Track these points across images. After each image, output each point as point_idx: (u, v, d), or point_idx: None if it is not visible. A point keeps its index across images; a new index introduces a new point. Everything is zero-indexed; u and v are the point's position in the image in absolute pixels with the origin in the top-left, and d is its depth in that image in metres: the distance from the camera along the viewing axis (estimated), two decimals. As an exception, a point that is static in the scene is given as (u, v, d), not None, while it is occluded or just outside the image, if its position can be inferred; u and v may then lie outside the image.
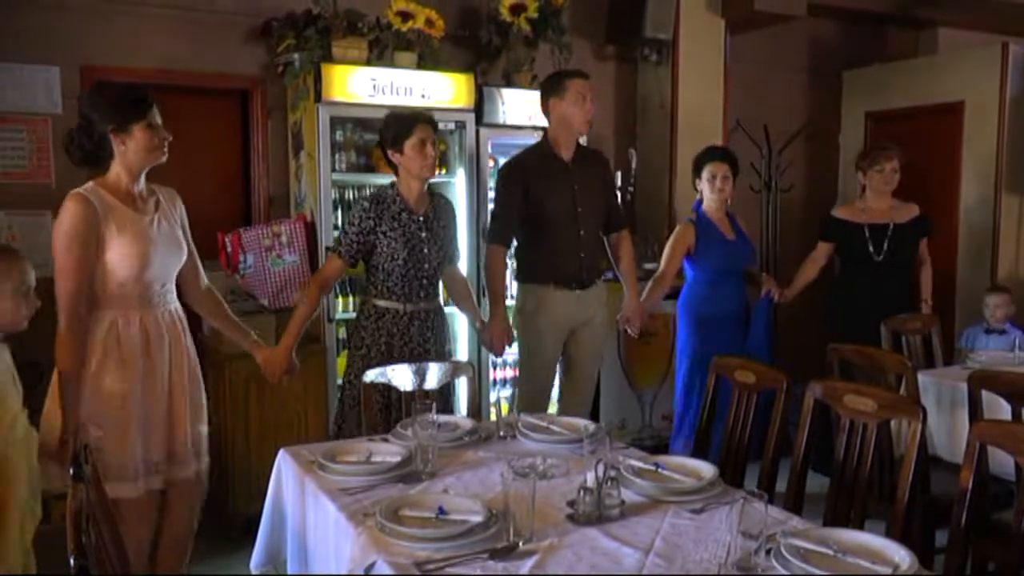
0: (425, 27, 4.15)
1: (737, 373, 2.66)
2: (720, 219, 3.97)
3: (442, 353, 3.16)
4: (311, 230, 4.06)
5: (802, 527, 1.82)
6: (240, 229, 3.92)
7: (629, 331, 3.70)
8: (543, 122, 4.48)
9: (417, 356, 3.05)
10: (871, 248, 3.90)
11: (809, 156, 6.14)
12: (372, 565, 1.67)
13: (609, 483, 1.87)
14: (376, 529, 1.76)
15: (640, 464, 2.12)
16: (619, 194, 3.77)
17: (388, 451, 2.24)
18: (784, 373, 2.54)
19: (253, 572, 2.35)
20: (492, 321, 3.37)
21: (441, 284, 3.32)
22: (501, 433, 2.50)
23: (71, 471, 1.69)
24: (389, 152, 3.08)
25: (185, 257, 2.65)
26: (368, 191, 4.23)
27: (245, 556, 2.35)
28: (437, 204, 3.18)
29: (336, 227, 4.10)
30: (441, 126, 4.33)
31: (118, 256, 2.43)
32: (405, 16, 4.11)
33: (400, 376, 2.87)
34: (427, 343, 3.10)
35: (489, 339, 3.36)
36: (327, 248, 4.00)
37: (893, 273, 3.92)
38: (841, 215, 4.08)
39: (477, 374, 4.00)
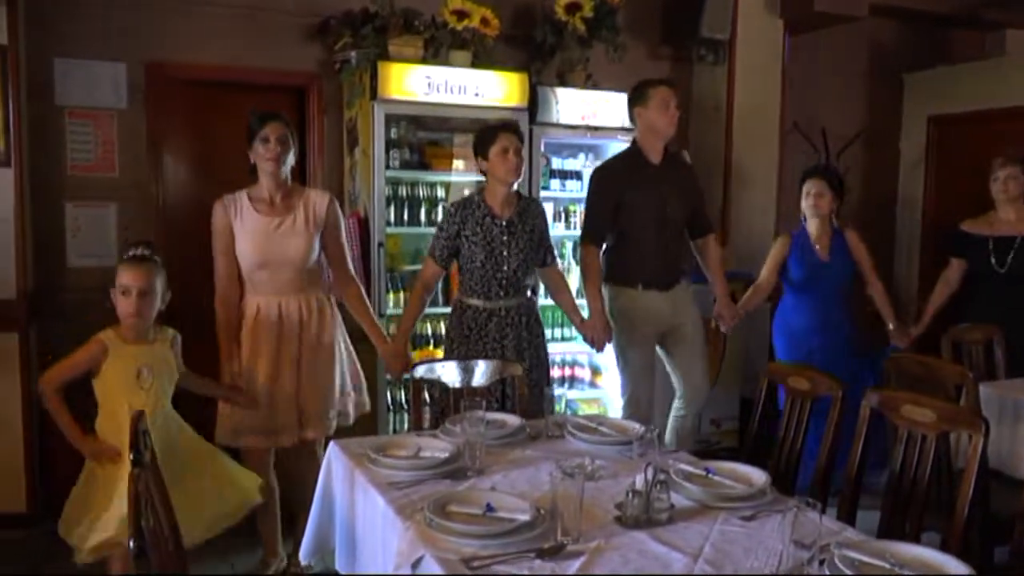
0: (480, 26, 4.17)
1: (790, 380, 2.61)
2: (819, 237, 3.95)
3: (520, 349, 3.25)
4: (364, 226, 4.10)
5: (856, 539, 1.78)
6: (295, 224, 3.98)
7: (721, 327, 3.81)
8: (596, 122, 4.52)
9: (493, 351, 3.20)
10: (994, 260, 3.76)
11: (868, 161, 6.01)
12: (420, 560, 1.68)
13: (658, 487, 1.85)
14: (424, 524, 1.76)
15: (690, 468, 2.09)
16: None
17: (437, 447, 2.25)
18: (838, 381, 2.48)
19: (302, 562, 2.39)
20: (592, 317, 3.49)
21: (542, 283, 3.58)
22: (549, 432, 2.50)
23: (131, 456, 1.73)
24: (478, 160, 3.27)
25: (308, 254, 3.02)
26: (421, 189, 4.28)
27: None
28: (524, 208, 3.30)
29: (389, 223, 4.14)
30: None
31: (239, 248, 2.97)
32: (460, 15, 4.13)
33: (448, 373, 2.89)
34: (504, 339, 3.23)
35: (590, 335, 3.47)
36: (379, 244, 4.05)
37: (1020, 286, 3.73)
38: (968, 228, 3.93)
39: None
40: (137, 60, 4.06)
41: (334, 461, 2.31)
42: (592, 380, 4.77)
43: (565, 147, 4.69)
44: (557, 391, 4.53)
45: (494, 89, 4.22)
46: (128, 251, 2.71)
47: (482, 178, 4.37)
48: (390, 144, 4.14)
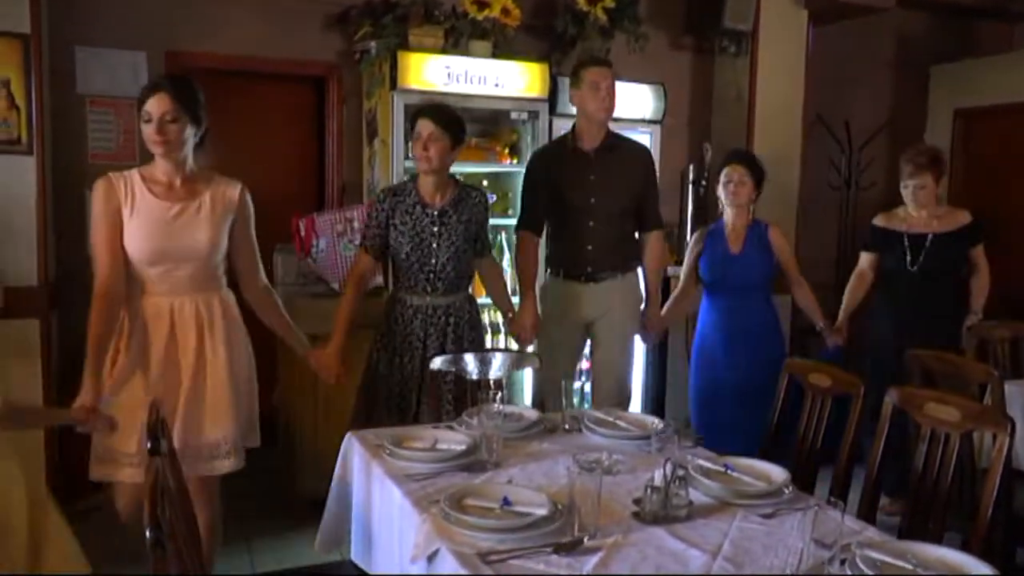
0: (501, 16, 4.16)
1: (811, 376, 2.58)
2: (733, 229, 3.59)
3: (444, 351, 2.98)
4: (382, 217, 4.09)
5: (878, 538, 1.75)
6: (314, 214, 3.98)
7: (643, 340, 3.56)
8: (617, 113, 4.45)
9: (415, 349, 2.99)
10: (908, 258, 3.66)
11: (892, 154, 5.90)
12: (436, 553, 1.68)
13: (677, 482, 1.83)
14: (440, 517, 1.75)
15: (709, 464, 2.07)
16: (658, 192, 3.51)
17: (454, 439, 2.24)
18: (860, 378, 2.45)
19: (318, 552, 2.39)
20: (521, 311, 3.30)
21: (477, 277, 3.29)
22: (566, 426, 2.48)
23: (148, 445, 1.73)
24: None
25: (215, 248, 2.54)
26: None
27: (310, 536, 2.39)
28: (461, 198, 3.06)
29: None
30: (513, 116, 4.35)
31: (129, 238, 2.46)
32: (481, 5, 4.12)
33: (468, 364, 2.87)
34: (427, 339, 3.00)
35: (516, 330, 3.28)
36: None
37: (931, 285, 3.65)
38: (882, 223, 3.82)
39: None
40: (158, 49, 4.07)
41: (351, 451, 2.31)
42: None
43: (585, 138, 4.65)
44: (578, 384, 4.50)
45: (514, 80, 4.20)
46: None
47: (501, 167, 4.40)
48: (409, 134, 4.11)
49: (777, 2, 4.97)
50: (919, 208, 3.70)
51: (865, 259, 3.89)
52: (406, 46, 4.03)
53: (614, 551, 1.66)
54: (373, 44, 4.10)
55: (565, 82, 4.33)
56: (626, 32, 4.54)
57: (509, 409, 2.49)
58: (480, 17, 4.11)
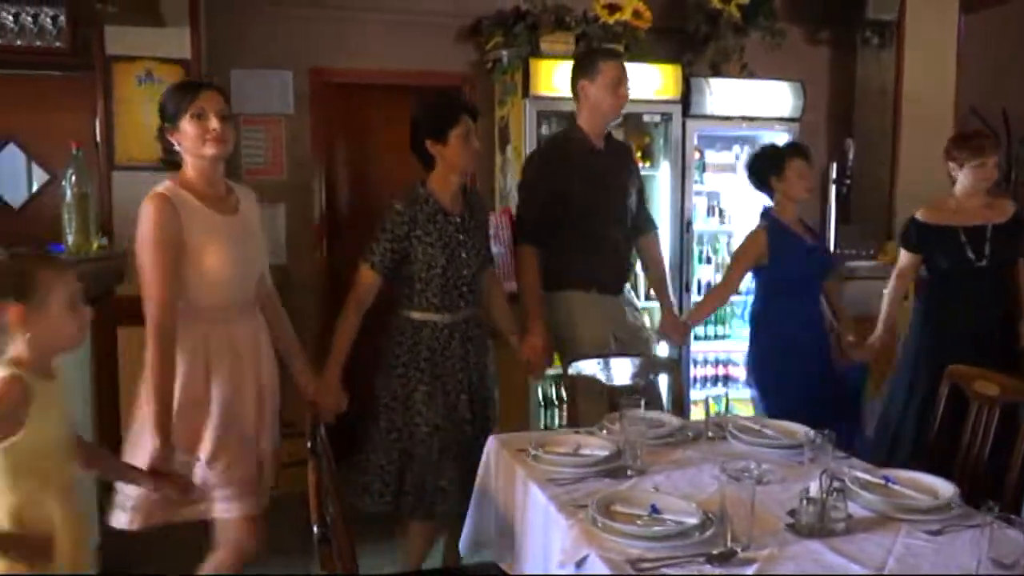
0: (632, 19, 4.14)
1: (976, 384, 2.42)
2: (795, 223, 3.32)
3: (483, 367, 2.79)
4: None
5: (1063, 560, 1.62)
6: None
7: (668, 345, 3.38)
8: (753, 112, 4.36)
9: (461, 372, 2.72)
10: (971, 253, 3.25)
11: (1057, 145, 5.49)
12: (585, 559, 1.67)
13: (835, 494, 1.75)
14: (588, 523, 1.75)
15: (867, 476, 1.97)
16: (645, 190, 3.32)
17: (596, 444, 2.23)
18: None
19: (462, 553, 2.43)
20: (531, 334, 2.92)
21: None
22: (710, 433, 2.42)
23: (308, 445, 1.82)
24: (428, 143, 2.69)
25: (266, 269, 2.45)
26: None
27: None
28: (471, 202, 2.83)
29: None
30: (646, 118, 4.32)
31: (206, 261, 2.20)
32: (612, 8, 4.11)
33: (617, 369, 2.84)
34: (468, 356, 2.74)
35: (528, 355, 2.92)
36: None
37: (996, 280, 3.28)
38: (930, 219, 3.37)
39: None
40: (302, 68, 4.28)
41: (493, 455, 2.34)
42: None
43: (719, 139, 4.56)
44: (715, 391, 4.42)
45: (646, 82, 4.16)
46: None
47: (643, 172, 4.32)
48: (541, 141, 4.15)
49: (925, -11, 4.72)
50: (983, 192, 3.32)
51: (907, 259, 3.45)
52: (537, 53, 4.07)
53: (770, 563, 1.60)
54: (505, 53, 4.16)
55: (699, 83, 4.28)
56: (761, 29, 4.42)
57: (651, 415, 2.46)
58: (611, 21, 4.11)
